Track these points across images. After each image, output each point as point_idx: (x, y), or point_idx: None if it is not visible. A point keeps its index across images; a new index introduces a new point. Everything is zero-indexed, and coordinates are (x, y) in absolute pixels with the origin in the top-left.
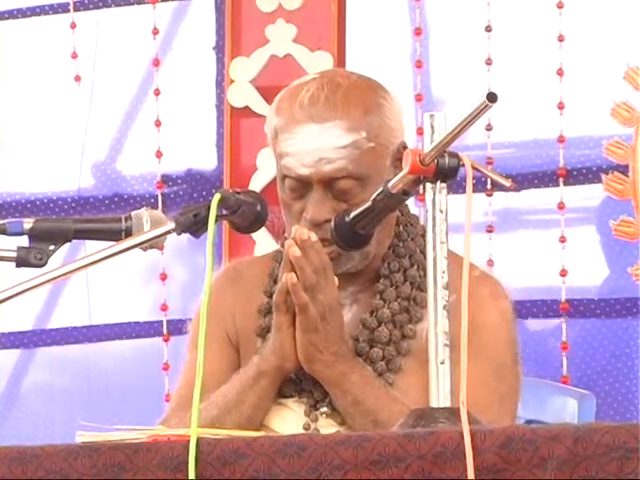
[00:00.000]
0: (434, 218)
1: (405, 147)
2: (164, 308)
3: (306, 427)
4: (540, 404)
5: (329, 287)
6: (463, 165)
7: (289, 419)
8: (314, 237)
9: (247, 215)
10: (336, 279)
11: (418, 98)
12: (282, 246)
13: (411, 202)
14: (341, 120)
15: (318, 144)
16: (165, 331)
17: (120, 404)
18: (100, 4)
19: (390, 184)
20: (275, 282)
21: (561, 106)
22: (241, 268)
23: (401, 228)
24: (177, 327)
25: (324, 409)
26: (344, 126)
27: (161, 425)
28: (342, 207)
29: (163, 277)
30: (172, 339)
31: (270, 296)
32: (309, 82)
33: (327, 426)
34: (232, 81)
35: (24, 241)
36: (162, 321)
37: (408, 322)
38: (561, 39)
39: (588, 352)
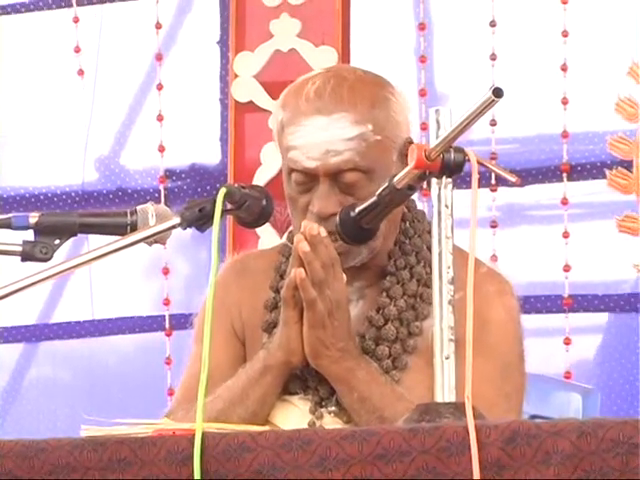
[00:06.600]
0: (439, 213)
1: (411, 142)
2: (167, 303)
3: (311, 424)
4: (544, 399)
5: (337, 283)
6: (468, 160)
7: (294, 416)
8: (323, 232)
9: (253, 210)
10: (344, 275)
11: (422, 93)
12: (289, 240)
13: (415, 197)
14: (347, 112)
15: (325, 136)
16: (167, 325)
17: (122, 398)
18: None
19: (395, 179)
20: (281, 277)
21: (565, 101)
22: (248, 261)
23: (407, 224)
24: (179, 322)
25: (332, 407)
26: (351, 118)
27: (167, 417)
28: (349, 200)
29: (165, 272)
30: (174, 334)
31: (276, 291)
32: (315, 76)
33: (332, 424)
34: (236, 76)
35: (29, 235)
36: (164, 315)
37: (414, 319)
38: (565, 35)
39: (591, 347)
